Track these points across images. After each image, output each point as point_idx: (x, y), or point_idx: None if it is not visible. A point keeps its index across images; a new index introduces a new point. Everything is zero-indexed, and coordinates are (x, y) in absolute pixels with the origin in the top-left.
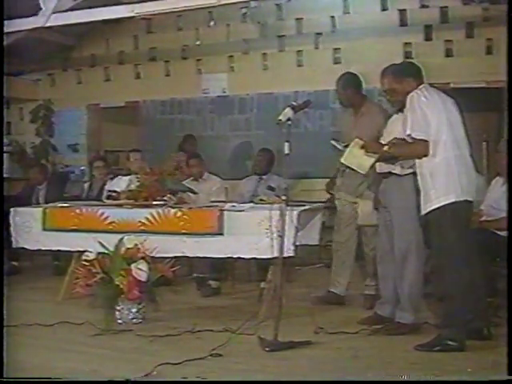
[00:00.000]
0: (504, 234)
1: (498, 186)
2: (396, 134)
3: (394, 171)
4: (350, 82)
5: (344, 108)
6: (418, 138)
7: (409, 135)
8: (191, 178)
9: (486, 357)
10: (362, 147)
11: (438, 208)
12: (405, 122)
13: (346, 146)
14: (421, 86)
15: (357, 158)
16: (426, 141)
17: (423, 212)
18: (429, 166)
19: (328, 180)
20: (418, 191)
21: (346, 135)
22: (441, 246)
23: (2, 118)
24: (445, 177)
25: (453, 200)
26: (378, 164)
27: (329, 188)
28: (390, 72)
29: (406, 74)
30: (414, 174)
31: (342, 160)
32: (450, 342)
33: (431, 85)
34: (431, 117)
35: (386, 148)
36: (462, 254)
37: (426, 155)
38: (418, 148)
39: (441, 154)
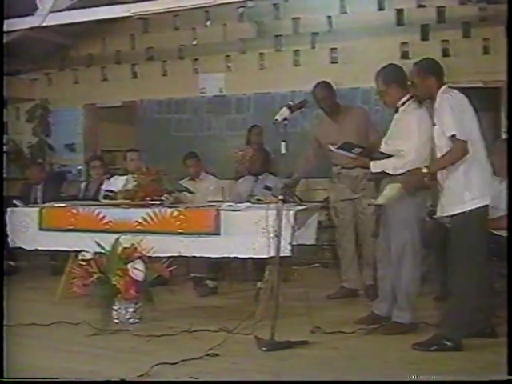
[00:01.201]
0: (501, 233)
1: (496, 184)
2: (402, 133)
3: (387, 171)
4: (328, 90)
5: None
6: (460, 138)
7: (453, 135)
8: (188, 178)
9: (485, 357)
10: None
11: (471, 210)
12: (442, 122)
13: (339, 149)
14: (446, 88)
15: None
16: (466, 141)
17: (449, 213)
18: (463, 165)
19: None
20: (412, 190)
21: (332, 140)
22: (464, 248)
23: (2, 118)
24: (480, 178)
25: (487, 202)
26: (372, 163)
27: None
28: (381, 74)
29: (431, 71)
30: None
31: (379, 201)
32: (447, 342)
33: None
34: (465, 117)
35: (425, 170)
36: (481, 256)
37: (466, 154)
38: (460, 150)
39: (474, 154)
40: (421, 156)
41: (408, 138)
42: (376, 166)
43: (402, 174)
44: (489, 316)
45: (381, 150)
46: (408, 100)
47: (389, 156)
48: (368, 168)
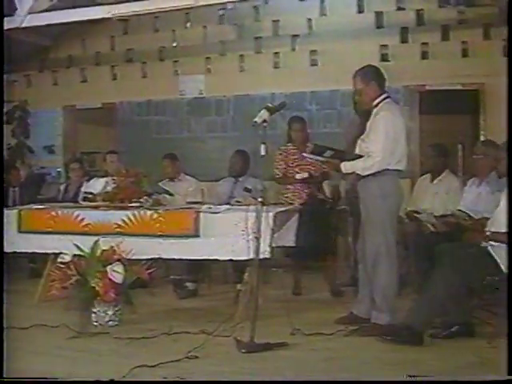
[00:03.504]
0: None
1: (474, 187)
2: (372, 133)
3: (357, 172)
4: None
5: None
6: None
7: None
8: (167, 179)
9: (464, 357)
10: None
11: None
12: None
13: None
14: None
15: None
16: None
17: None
18: None
19: None
20: (384, 192)
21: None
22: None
23: (2, 118)
24: None
25: None
26: (342, 165)
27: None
28: (360, 73)
29: None
30: (376, 174)
31: None
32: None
33: (407, 87)
34: None
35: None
36: None
37: None
38: None
39: None
40: (388, 157)
41: (376, 139)
42: (346, 168)
43: (372, 174)
44: (466, 316)
45: (356, 149)
46: (382, 101)
47: (360, 157)
48: (339, 170)
